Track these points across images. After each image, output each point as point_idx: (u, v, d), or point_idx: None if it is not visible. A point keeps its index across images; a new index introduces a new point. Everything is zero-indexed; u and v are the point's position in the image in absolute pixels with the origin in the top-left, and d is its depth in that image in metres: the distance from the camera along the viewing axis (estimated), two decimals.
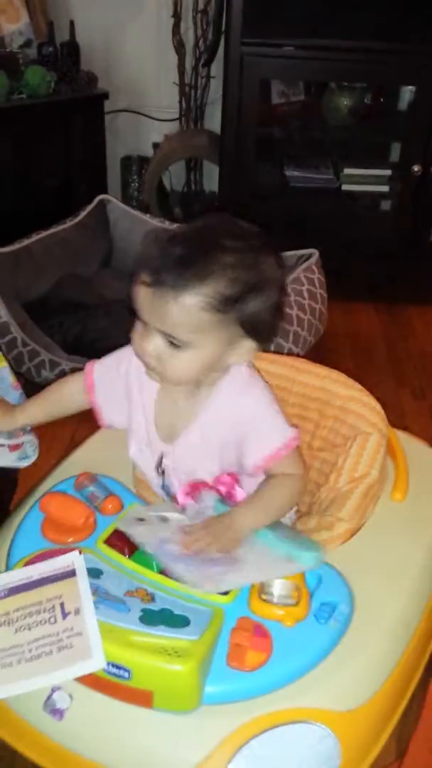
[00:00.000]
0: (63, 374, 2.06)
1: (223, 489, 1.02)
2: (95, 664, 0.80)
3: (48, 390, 1.14)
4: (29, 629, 0.84)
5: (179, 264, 0.88)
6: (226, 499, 1.02)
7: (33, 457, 1.14)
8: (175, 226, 2.53)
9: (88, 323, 2.34)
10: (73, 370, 2.02)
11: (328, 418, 1.18)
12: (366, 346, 2.50)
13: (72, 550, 0.93)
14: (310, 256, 2.33)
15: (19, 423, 1.12)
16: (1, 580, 0.91)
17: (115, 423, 1.11)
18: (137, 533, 0.95)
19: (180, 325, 0.90)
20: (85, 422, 1.16)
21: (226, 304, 0.89)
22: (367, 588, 0.95)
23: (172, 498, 1.07)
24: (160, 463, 1.06)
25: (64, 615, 0.84)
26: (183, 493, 1.03)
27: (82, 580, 0.88)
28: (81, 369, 2.03)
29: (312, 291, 2.26)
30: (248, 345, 0.96)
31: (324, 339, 2.33)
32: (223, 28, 2.53)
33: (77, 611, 0.84)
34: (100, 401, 1.10)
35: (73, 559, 0.91)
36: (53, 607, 0.85)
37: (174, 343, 0.92)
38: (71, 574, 0.89)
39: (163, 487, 1.08)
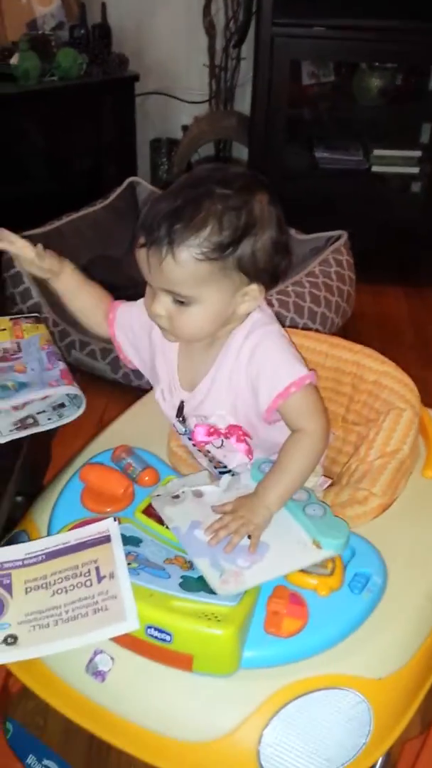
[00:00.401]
0: (93, 354, 2.09)
1: (232, 444, 1.03)
2: (129, 625, 0.83)
3: (87, 292, 1.12)
4: (66, 592, 0.86)
5: (168, 219, 0.88)
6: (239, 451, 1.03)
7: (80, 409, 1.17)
8: None
9: None
10: (103, 350, 2.08)
11: (361, 392, 1.19)
12: (393, 328, 2.50)
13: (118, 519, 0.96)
14: (338, 238, 2.33)
15: (48, 268, 1.11)
16: (38, 545, 0.94)
17: (134, 361, 1.13)
18: (170, 515, 0.96)
19: (180, 280, 0.90)
20: (114, 403, 1.18)
21: (220, 251, 0.89)
22: (399, 561, 0.97)
23: (194, 443, 1.09)
24: (180, 410, 1.07)
25: (99, 579, 0.87)
26: (200, 437, 1.04)
27: (117, 546, 0.90)
28: (110, 349, 2.08)
29: (340, 272, 2.26)
30: (254, 289, 0.95)
31: (351, 321, 2.34)
32: (254, 9, 2.52)
33: (112, 575, 0.87)
34: (119, 338, 1.11)
35: (108, 526, 0.94)
36: (89, 571, 0.88)
37: (180, 301, 0.92)
38: (106, 540, 0.92)
39: (186, 432, 1.10)
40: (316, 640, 0.85)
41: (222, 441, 1.04)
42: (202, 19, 2.91)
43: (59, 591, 0.87)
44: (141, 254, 0.92)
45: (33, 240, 2.45)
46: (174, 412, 1.07)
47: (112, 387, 2.03)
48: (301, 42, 2.46)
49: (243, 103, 3.04)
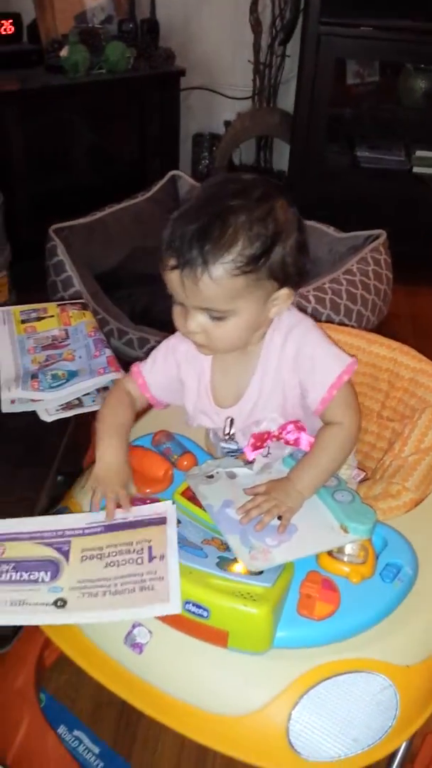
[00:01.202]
0: (130, 343, 2.13)
1: (290, 437, 1.05)
2: (171, 608, 0.86)
3: (112, 415, 1.10)
4: (117, 566, 0.90)
5: (198, 239, 0.89)
6: (294, 446, 1.05)
7: None
8: None
9: (156, 296, 2.39)
10: (140, 340, 2.11)
11: (397, 389, 1.22)
12: (428, 329, 2.51)
13: (156, 500, 0.99)
14: (377, 237, 2.34)
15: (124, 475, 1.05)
16: (99, 517, 0.98)
17: (176, 402, 1.15)
18: (203, 493, 1.00)
19: (215, 297, 0.92)
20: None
21: (253, 263, 0.91)
22: (430, 554, 0.99)
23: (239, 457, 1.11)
24: (228, 428, 1.08)
25: (150, 558, 0.90)
26: (250, 447, 1.06)
27: (171, 529, 0.93)
28: (147, 339, 2.11)
29: (378, 271, 2.28)
30: (284, 293, 0.98)
31: (387, 320, 2.35)
32: (302, 7, 2.54)
33: (162, 557, 0.90)
34: (157, 395, 1.13)
35: (167, 509, 0.97)
36: (142, 549, 0.92)
37: (216, 316, 0.94)
38: (162, 521, 0.95)
39: (237, 451, 1.12)
40: (346, 625, 0.88)
41: (269, 448, 1.05)
42: (249, 16, 2.93)
43: (112, 564, 0.91)
44: (173, 276, 0.93)
45: (77, 230, 2.49)
46: (221, 434, 1.08)
47: None
48: (347, 41, 2.48)
49: (286, 100, 3.06)
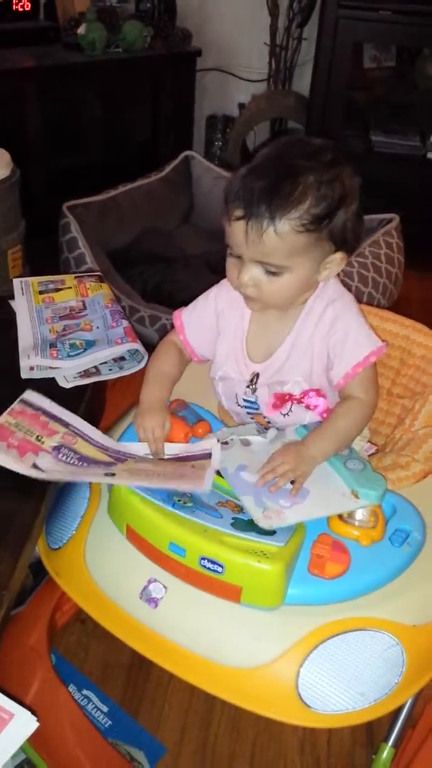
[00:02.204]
0: (142, 320, 2.15)
1: (311, 402, 1.08)
2: (203, 486, 0.95)
3: (155, 365, 1.15)
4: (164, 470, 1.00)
5: (268, 192, 0.92)
6: (314, 411, 1.08)
7: (140, 364, 1.23)
8: None
9: (167, 275, 2.42)
10: (152, 317, 2.14)
11: (409, 366, 1.23)
12: None
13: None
14: (390, 221, 2.36)
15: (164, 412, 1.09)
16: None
17: (207, 355, 1.17)
18: (219, 457, 1.02)
19: (276, 251, 0.95)
20: None
21: (317, 223, 0.94)
22: None
23: (254, 418, 1.14)
24: (252, 382, 1.11)
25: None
26: (270, 405, 1.10)
27: (215, 458, 1.01)
28: (158, 316, 2.13)
29: (389, 255, 2.29)
30: (338, 257, 1.01)
31: (397, 304, 2.36)
32: None
33: (203, 468, 0.99)
34: (191, 339, 1.15)
35: (212, 445, 1.03)
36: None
37: (271, 270, 0.97)
38: (208, 456, 1.02)
39: (247, 407, 1.14)
40: (356, 585, 0.91)
41: (291, 407, 1.09)
42: None
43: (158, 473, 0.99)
44: (238, 227, 0.95)
45: (90, 207, 2.50)
46: (242, 387, 1.11)
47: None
48: (365, 25, 2.48)
49: (300, 83, 3.06)
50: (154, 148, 2.92)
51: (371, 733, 1.26)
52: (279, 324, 1.07)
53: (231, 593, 0.88)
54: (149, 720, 1.28)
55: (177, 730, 1.27)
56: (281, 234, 0.93)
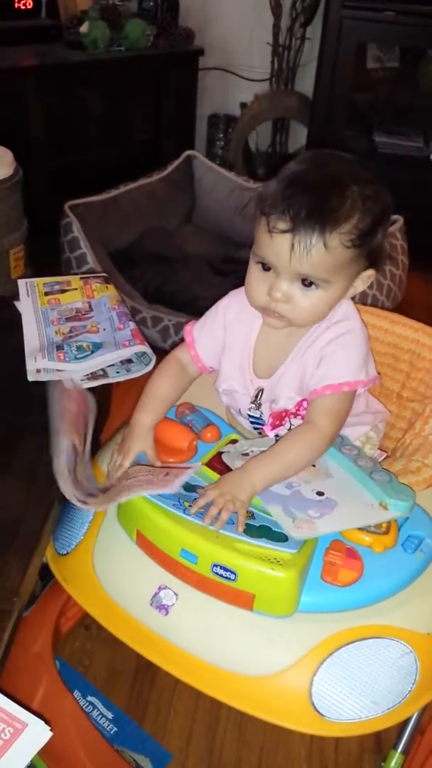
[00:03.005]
0: (144, 321, 2.14)
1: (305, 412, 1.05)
2: (171, 488, 0.95)
3: (152, 386, 1.12)
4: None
5: (317, 205, 0.90)
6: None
7: (147, 367, 1.22)
8: (260, 185, 2.57)
9: (168, 275, 2.41)
10: (154, 318, 2.12)
11: (419, 369, 1.22)
12: None
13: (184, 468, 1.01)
14: (394, 222, 2.35)
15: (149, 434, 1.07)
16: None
17: (217, 367, 1.14)
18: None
19: (322, 265, 0.92)
20: None
21: (363, 239, 0.93)
22: None
23: (261, 432, 1.13)
24: (256, 398, 1.09)
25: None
26: (270, 425, 1.08)
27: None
28: (160, 317, 2.11)
29: (394, 256, 2.29)
30: (368, 273, 1.00)
31: (401, 307, 2.35)
32: None
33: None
34: (202, 354, 1.13)
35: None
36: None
37: (308, 284, 0.95)
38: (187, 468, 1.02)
39: (253, 422, 1.13)
40: (369, 592, 0.90)
41: (290, 422, 1.07)
42: None
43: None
44: (281, 240, 0.92)
45: (92, 207, 2.49)
46: (247, 401, 1.09)
47: (160, 355, 2.07)
48: (369, 25, 2.48)
49: (303, 83, 3.05)
50: (156, 147, 2.91)
51: (379, 739, 1.25)
52: (285, 340, 1.05)
53: (244, 601, 0.87)
54: (155, 726, 1.27)
55: (183, 736, 1.26)
56: (331, 248, 0.91)
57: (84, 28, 2.56)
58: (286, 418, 1.08)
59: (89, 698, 1.31)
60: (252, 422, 1.12)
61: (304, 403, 1.06)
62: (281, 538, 0.90)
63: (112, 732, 1.26)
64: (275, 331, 1.05)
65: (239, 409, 1.13)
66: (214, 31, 3.05)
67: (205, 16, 3.02)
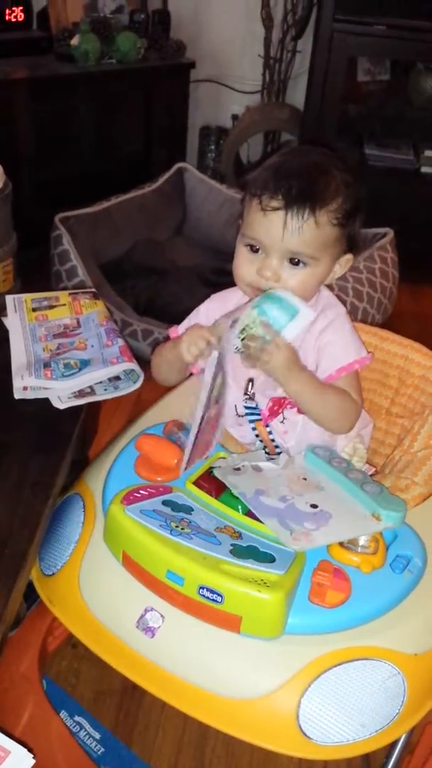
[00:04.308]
0: (134, 334, 2.14)
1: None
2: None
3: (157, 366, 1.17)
4: None
5: (307, 186, 0.97)
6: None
7: (135, 384, 1.22)
8: None
9: (159, 288, 2.41)
10: (144, 331, 2.12)
11: (408, 386, 1.22)
12: None
13: (168, 489, 1.01)
14: (384, 235, 2.36)
15: None
16: None
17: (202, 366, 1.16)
18: (233, 482, 1.01)
19: (311, 241, 0.98)
20: (152, 383, 1.21)
21: (348, 218, 1.00)
22: None
23: (256, 426, 1.13)
24: (248, 388, 1.11)
25: None
26: (267, 410, 1.10)
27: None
28: (151, 330, 2.11)
29: (384, 270, 2.29)
30: (347, 257, 1.06)
31: (391, 319, 2.36)
32: (315, 3, 2.54)
33: None
34: None
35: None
36: None
37: (296, 262, 1.00)
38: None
39: (249, 413, 1.13)
40: (357, 613, 0.89)
41: (283, 417, 1.08)
42: (260, 10, 2.93)
43: None
44: (274, 217, 0.97)
45: (82, 219, 2.48)
46: (240, 394, 1.11)
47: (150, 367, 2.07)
48: (360, 39, 2.48)
49: (294, 95, 3.06)
50: (147, 159, 2.91)
51: (368, 758, 1.24)
52: None
53: (230, 623, 0.86)
54: (143, 746, 1.25)
55: (171, 756, 1.24)
56: (320, 225, 0.98)
57: (75, 40, 2.56)
58: (285, 406, 1.09)
59: (77, 718, 1.29)
60: (248, 414, 1.13)
61: None
62: (269, 558, 0.90)
63: (99, 752, 1.25)
64: None
65: (235, 407, 1.14)
66: (205, 43, 3.06)
67: (197, 29, 3.03)
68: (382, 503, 0.97)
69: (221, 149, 3.14)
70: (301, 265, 1.01)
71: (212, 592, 0.85)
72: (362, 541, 0.95)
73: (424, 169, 2.74)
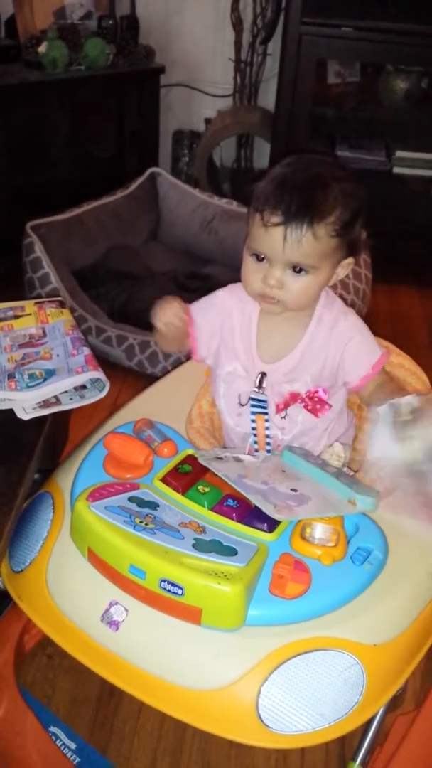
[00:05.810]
0: (108, 341, 2.14)
1: (319, 396, 1.15)
2: None
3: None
4: None
5: (306, 202, 1.01)
6: (314, 409, 1.15)
7: (102, 393, 1.24)
8: (224, 200, 2.59)
9: (134, 293, 2.41)
10: (119, 337, 2.12)
11: None
12: (407, 329, 2.54)
13: (135, 486, 1.03)
14: None
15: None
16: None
17: (207, 356, 1.22)
18: (219, 467, 1.05)
19: (311, 253, 1.04)
20: (127, 389, 1.23)
21: (346, 229, 1.05)
22: (401, 541, 1.02)
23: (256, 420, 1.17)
24: (260, 381, 1.16)
25: None
26: (283, 402, 1.15)
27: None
28: (125, 336, 2.11)
29: (357, 271, 2.31)
30: (348, 261, 1.11)
31: (366, 320, 2.36)
32: (283, 6, 2.56)
33: None
34: (196, 334, 1.19)
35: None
36: None
37: (298, 270, 1.05)
38: None
39: (254, 406, 1.17)
40: (316, 604, 0.91)
41: (286, 413, 1.16)
42: (230, 13, 2.94)
43: None
44: (274, 232, 1.03)
45: (54, 226, 2.47)
46: (249, 385, 1.17)
47: (125, 374, 2.08)
48: (328, 41, 2.49)
49: (266, 98, 3.08)
50: (119, 165, 2.91)
51: (343, 748, 1.25)
52: (289, 328, 1.15)
53: (191, 615, 0.88)
54: (119, 754, 1.25)
55: (147, 764, 1.23)
56: (319, 237, 1.03)
57: (42, 48, 2.55)
58: (298, 403, 1.15)
59: (52, 728, 1.28)
60: (253, 406, 1.17)
61: (319, 392, 1.15)
62: (231, 552, 0.92)
63: (75, 762, 1.24)
64: (276, 319, 1.14)
65: (238, 396, 1.18)
66: (176, 47, 3.07)
67: (167, 34, 3.04)
68: (357, 489, 1.01)
69: (194, 153, 3.16)
70: (303, 272, 1.06)
71: (173, 585, 0.87)
72: (323, 533, 0.97)
73: (397, 170, 2.77)
